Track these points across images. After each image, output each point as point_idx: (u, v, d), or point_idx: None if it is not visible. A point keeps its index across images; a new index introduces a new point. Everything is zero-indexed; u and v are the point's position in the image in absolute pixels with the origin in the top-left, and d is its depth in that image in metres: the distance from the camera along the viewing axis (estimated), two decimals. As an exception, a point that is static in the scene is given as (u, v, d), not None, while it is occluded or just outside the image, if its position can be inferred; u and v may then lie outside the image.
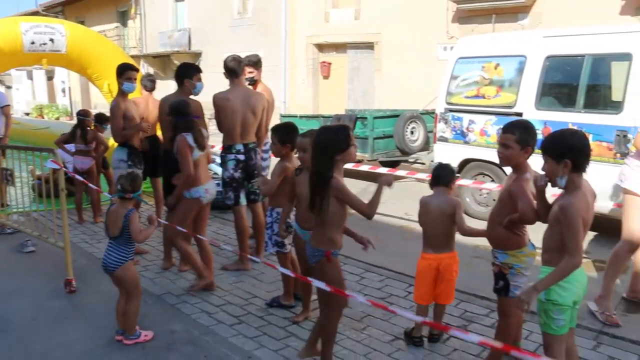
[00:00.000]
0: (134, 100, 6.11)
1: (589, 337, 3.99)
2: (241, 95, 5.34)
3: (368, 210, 3.21)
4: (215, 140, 5.83)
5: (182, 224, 4.74)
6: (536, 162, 3.05)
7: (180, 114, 4.71)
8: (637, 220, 4.38)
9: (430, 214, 3.84)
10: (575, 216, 2.73)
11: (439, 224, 3.82)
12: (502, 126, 3.40)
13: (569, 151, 2.79)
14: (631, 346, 3.90)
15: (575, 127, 6.07)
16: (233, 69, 5.35)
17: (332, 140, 3.22)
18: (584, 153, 2.83)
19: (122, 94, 5.69)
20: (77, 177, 6.48)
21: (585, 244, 6.11)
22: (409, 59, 15.64)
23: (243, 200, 5.44)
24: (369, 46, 17.29)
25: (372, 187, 9.41)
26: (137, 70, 5.86)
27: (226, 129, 5.35)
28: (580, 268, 2.86)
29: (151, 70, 24.81)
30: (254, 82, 5.97)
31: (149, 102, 6.51)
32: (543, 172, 2.93)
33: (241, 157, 5.34)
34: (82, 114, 7.42)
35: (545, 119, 6.64)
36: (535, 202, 3.14)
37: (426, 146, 10.23)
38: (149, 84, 6.76)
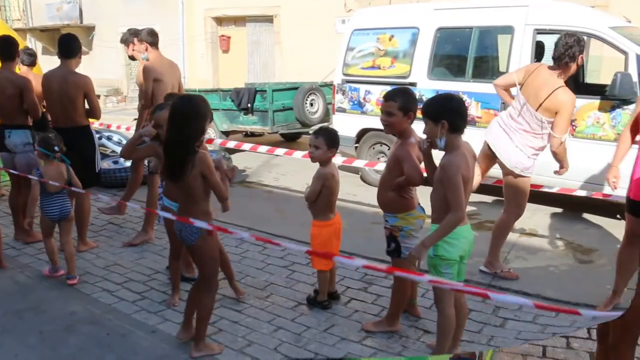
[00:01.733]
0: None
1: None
2: (166, 66, 5.62)
3: (225, 194, 3.31)
4: (113, 118, 5.65)
5: None
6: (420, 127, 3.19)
7: None
8: (520, 195, 4.54)
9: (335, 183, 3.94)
10: (455, 173, 2.92)
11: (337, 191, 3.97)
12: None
13: (445, 112, 2.97)
14: (515, 296, 4.20)
15: (464, 95, 6.41)
16: (153, 41, 5.62)
17: (194, 111, 3.16)
18: (459, 114, 3.01)
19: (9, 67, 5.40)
20: None
21: (476, 207, 6.49)
22: (308, 32, 15.67)
23: None
24: (268, 19, 17.15)
25: (273, 159, 9.48)
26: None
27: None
28: (467, 225, 3.07)
29: (39, 45, 23.37)
30: (133, 58, 5.99)
31: (29, 77, 6.19)
32: (425, 136, 3.10)
33: None
34: None
35: (437, 89, 6.88)
36: (420, 165, 3.32)
37: (326, 117, 10.33)
38: (27, 58, 6.47)
